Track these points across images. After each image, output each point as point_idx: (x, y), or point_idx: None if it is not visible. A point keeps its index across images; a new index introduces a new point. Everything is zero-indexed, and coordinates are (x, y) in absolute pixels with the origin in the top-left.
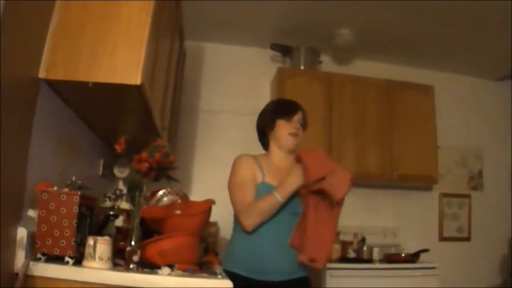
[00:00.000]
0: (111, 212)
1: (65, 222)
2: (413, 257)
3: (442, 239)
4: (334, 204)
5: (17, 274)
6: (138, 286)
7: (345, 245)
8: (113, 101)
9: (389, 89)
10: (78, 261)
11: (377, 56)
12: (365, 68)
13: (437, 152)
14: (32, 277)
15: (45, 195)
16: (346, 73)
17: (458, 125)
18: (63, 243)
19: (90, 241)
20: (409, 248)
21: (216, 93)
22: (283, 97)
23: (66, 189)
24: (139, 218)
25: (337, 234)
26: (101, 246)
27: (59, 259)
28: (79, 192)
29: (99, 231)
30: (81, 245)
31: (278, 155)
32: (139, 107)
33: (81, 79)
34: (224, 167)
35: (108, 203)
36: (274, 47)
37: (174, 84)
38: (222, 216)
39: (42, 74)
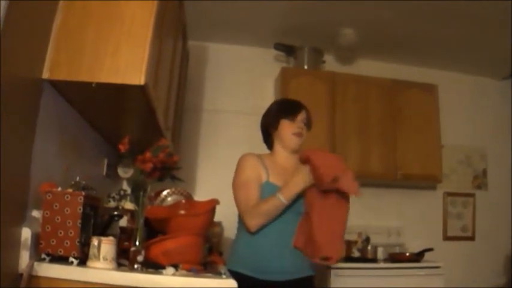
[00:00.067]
0: (116, 212)
1: (69, 223)
2: (418, 257)
3: (446, 238)
4: (344, 201)
5: (21, 274)
6: (142, 286)
7: (349, 244)
8: (117, 101)
9: (392, 88)
10: (83, 261)
11: (380, 55)
12: (368, 67)
13: (441, 151)
14: (37, 277)
15: (49, 196)
16: (350, 73)
17: (462, 124)
18: (67, 243)
19: (95, 241)
20: (414, 248)
21: (220, 93)
22: (287, 97)
23: (70, 190)
24: (143, 218)
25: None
26: (105, 246)
27: (63, 259)
28: (83, 193)
29: (103, 232)
30: (85, 245)
31: (282, 155)
32: (143, 107)
33: (84, 79)
34: (228, 166)
35: (112, 203)
36: (278, 46)
37: (178, 84)
38: (226, 216)
39: (45, 75)
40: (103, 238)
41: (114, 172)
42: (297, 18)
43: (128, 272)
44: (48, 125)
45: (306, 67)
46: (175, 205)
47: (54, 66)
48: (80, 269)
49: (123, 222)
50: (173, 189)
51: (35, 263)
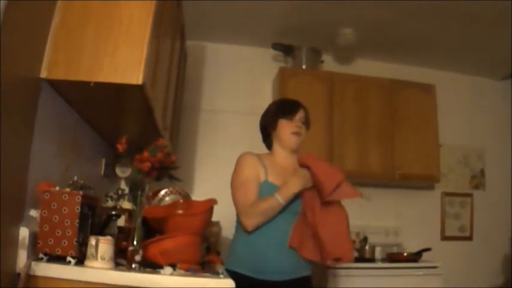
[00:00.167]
0: (113, 212)
1: (67, 222)
2: (416, 256)
3: (444, 238)
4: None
5: (19, 274)
6: (140, 286)
7: None
8: (115, 100)
9: (391, 88)
10: (80, 261)
11: (379, 55)
12: (367, 67)
13: (439, 151)
14: (34, 277)
15: (47, 195)
16: (348, 72)
17: (460, 124)
18: (65, 243)
19: (92, 241)
20: (411, 247)
21: (218, 93)
22: (285, 97)
23: (68, 189)
24: (141, 217)
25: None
26: (103, 246)
27: (61, 259)
28: (81, 192)
29: (101, 231)
30: (83, 244)
31: (281, 154)
32: (141, 107)
33: (82, 79)
34: (226, 166)
35: (110, 203)
36: (276, 46)
37: (176, 84)
38: (224, 215)
39: (43, 74)
40: (101, 237)
41: (112, 171)
42: (295, 18)
43: (126, 272)
44: (47, 124)
45: (304, 67)
46: (173, 205)
47: (52, 66)
48: (78, 269)
49: (121, 221)
50: (171, 189)
51: (33, 263)
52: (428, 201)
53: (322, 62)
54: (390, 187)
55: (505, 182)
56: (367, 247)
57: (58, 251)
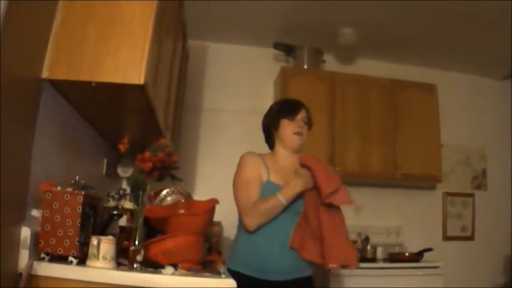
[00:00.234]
0: (115, 212)
1: (68, 222)
2: (417, 256)
3: (446, 238)
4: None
5: (20, 274)
6: (141, 286)
7: None
8: (116, 100)
9: (392, 88)
10: (82, 260)
11: (380, 55)
12: (368, 67)
13: (441, 151)
14: (36, 277)
15: (48, 195)
16: (350, 72)
17: (461, 124)
18: (66, 242)
19: (94, 241)
20: (413, 247)
21: (219, 93)
22: (287, 96)
23: (69, 189)
24: (142, 217)
25: None
26: (104, 245)
27: (62, 259)
28: (83, 192)
29: (102, 231)
30: (84, 244)
31: (284, 154)
32: (143, 107)
33: (84, 79)
34: (227, 166)
35: (111, 203)
36: (278, 46)
37: (177, 84)
38: (226, 215)
39: (45, 74)
40: (102, 237)
41: (113, 171)
42: (296, 17)
43: (127, 272)
44: (48, 124)
45: (305, 67)
46: (175, 204)
47: (53, 66)
48: (79, 269)
49: (123, 221)
50: (172, 189)
51: (35, 262)
52: (430, 201)
53: (324, 61)
54: (392, 187)
55: (507, 182)
56: (368, 247)
57: (60, 250)
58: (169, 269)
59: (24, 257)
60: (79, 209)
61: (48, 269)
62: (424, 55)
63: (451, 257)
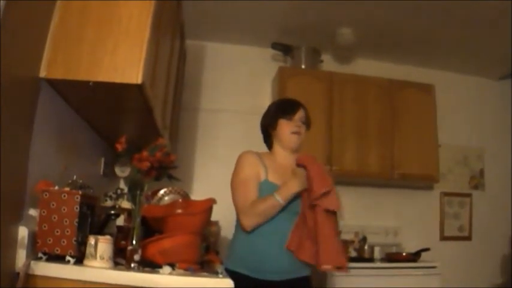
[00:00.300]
0: (112, 211)
1: (66, 222)
2: (415, 256)
3: (443, 238)
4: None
5: (18, 273)
6: (139, 285)
7: (346, 244)
8: (114, 100)
9: (390, 88)
10: (79, 260)
11: (378, 55)
12: (366, 67)
13: (439, 151)
14: (33, 276)
15: (46, 195)
16: (347, 72)
17: (459, 124)
18: (64, 242)
19: (91, 240)
20: (410, 247)
21: (217, 92)
22: (285, 96)
23: (67, 189)
24: (140, 217)
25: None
26: (102, 245)
27: (60, 258)
28: (80, 192)
29: (100, 231)
30: (82, 244)
31: (282, 154)
32: (140, 106)
33: (81, 78)
34: (225, 166)
35: (109, 202)
36: (275, 46)
37: (175, 83)
38: (224, 215)
39: (43, 74)
40: (100, 237)
41: (111, 171)
42: (294, 17)
43: (125, 271)
44: (46, 123)
45: (303, 66)
46: (172, 204)
47: (51, 65)
48: (77, 268)
49: (120, 221)
50: (170, 188)
51: (32, 262)
52: (428, 201)
53: (322, 61)
54: (389, 187)
55: (504, 182)
56: (366, 247)
57: (57, 250)
58: (167, 269)
59: (21, 256)
60: (76, 208)
61: (45, 269)
62: (422, 55)
63: (449, 257)
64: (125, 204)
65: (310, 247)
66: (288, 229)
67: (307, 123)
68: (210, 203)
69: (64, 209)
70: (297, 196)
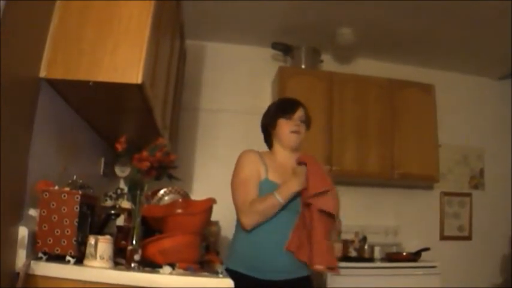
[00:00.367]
0: (112, 211)
1: (66, 222)
2: (415, 256)
3: (443, 238)
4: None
5: (18, 273)
6: (139, 285)
7: (346, 244)
8: (114, 100)
9: (390, 87)
10: (80, 260)
11: (378, 55)
12: (366, 67)
13: (439, 151)
14: (33, 276)
15: (46, 195)
16: (348, 72)
17: (459, 124)
18: (64, 242)
19: (91, 240)
20: (410, 247)
21: (217, 92)
22: (285, 96)
23: (67, 188)
24: (140, 217)
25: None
26: (102, 245)
27: (60, 258)
28: (80, 192)
29: (100, 230)
30: (82, 244)
31: (282, 153)
32: (140, 106)
33: (81, 78)
34: (225, 165)
35: (109, 202)
36: (275, 46)
37: (175, 83)
38: (224, 215)
39: (42, 74)
40: (100, 237)
41: (111, 171)
42: (295, 17)
43: (125, 271)
44: (46, 123)
45: (303, 66)
46: (172, 204)
47: (51, 65)
48: (77, 268)
49: (120, 221)
50: (170, 188)
51: (32, 262)
52: (428, 201)
53: (322, 61)
54: (389, 187)
55: (504, 182)
56: (366, 247)
57: (57, 250)
58: (167, 269)
59: (21, 256)
60: (76, 208)
61: (45, 269)
62: (422, 55)
63: (449, 256)
64: (125, 204)
65: (307, 247)
66: (288, 229)
67: (307, 122)
68: (210, 203)
69: (64, 209)
70: (297, 195)
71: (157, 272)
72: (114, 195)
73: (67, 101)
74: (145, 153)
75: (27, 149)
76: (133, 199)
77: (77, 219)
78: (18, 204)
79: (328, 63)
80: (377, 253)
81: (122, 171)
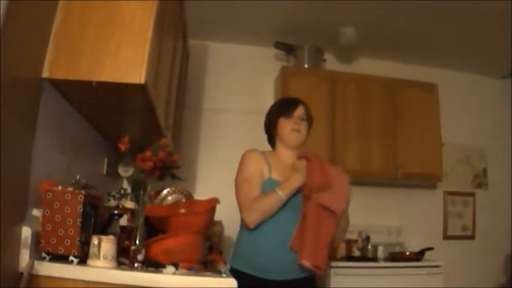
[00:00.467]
0: (116, 211)
1: (69, 222)
2: (418, 256)
3: (447, 237)
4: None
5: (21, 273)
6: (142, 285)
7: (349, 243)
8: (117, 100)
9: (393, 87)
10: (83, 260)
11: (381, 54)
12: (369, 66)
13: (442, 150)
14: (37, 276)
15: (49, 195)
16: (350, 71)
17: (462, 123)
18: (67, 242)
19: (95, 240)
20: (414, 247)
21: (220, 92)
22: (287, 95)
23: (70, 189)
24: (143, 217)
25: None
26: (105, 245)
27: (63, 258)
28: (83, 192)
29: (103, 230)
30: (85, 244)
31: (284, 152)
32: (143, 106)
33: (84, 78)
34: (228, 165)
35: (112, 202)
36: (278, 45)
37: (178, 83)
38: (227, 215)
39: (45, 74)
40: (103, 237)
41: (114, 171)
42: (297, 17)
43: (128, 271)
44: (49, 124)
45: (306, 66)
46: (176, 204)
47: (54, 66)
48: (80, 268)
49: (124, 221)
50: (173, 188)
51: (35, 262)
52: (431, 200)
53: (324, 61)
54: (392, 186)
55: (507, 181)
56: (369, 246)
57: (60, 250)
58: (170, 269)
59: (25, 256)
60: (80, 208)
61: (49, 269)
62: (424, 54)
63: (452, 256)
64: (128, 204)
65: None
66: (292, 228)
67: (309, 119)
68: (213, 203)
69: (67, 209)
70: (298, 191)
71: (161, 272)
72: (117, 195)
73: (70, 101)
74: (148, 153)
75: (30, 149)
76: (136, 199)
77: (80, 219)
78: (21, 204)
79: (331, 63)
80: (380, 253)
81: (125, 171)
